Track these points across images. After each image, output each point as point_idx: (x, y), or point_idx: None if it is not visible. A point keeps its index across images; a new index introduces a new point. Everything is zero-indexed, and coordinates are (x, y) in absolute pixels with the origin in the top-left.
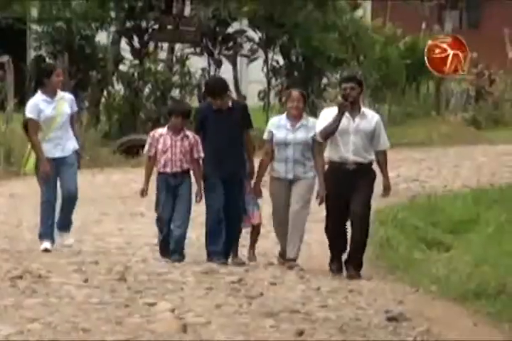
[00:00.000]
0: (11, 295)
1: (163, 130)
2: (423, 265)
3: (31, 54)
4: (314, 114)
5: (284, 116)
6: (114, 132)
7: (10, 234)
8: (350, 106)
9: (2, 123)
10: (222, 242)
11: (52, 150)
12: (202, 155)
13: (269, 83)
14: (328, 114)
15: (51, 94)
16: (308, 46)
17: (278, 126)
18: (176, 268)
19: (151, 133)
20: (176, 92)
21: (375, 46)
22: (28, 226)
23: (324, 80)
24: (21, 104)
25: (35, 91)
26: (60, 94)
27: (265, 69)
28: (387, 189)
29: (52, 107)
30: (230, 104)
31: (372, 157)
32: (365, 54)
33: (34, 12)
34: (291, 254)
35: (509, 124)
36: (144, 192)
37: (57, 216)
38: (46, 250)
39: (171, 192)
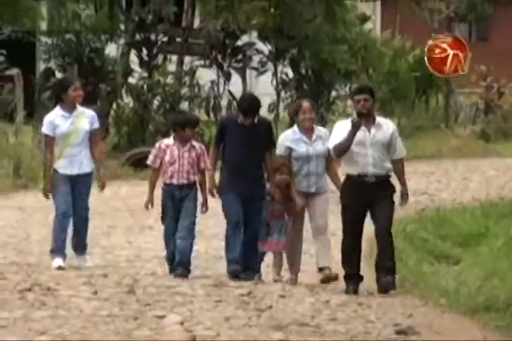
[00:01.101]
0: (20, 307)
1: (169, 141)
2: (432, 278)
3: (41, 66)
4: (323, 127)
5: (295, 129)
6: (123, 144)
7: (19, 246)
8: (364, 119)
9: (11, 135)
10: (239, 250)
11: (67, 166)
12: (209, 165)
13: (278, 96)
14: (342, 128)
15: (69, 109)
16: (317, 59)
17: (294, 140)
18: (185, 280)
19: (157, 144)
20: (184, 105)
21: (384, 59)
22: (37, 239)
23: (333, 93)
24: (30, 116)
25: (54, 106)
26: (80, 109)
27: (274, 82)
28: (404, 197)
29: (69, 123)
30: (256, 120)
31: (390, 166)
32: (375, 67)
33: (43, 25)
34: (324, 263)
35: None
36: (149, 204)
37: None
38: (60, 268)
39: (175, 205)
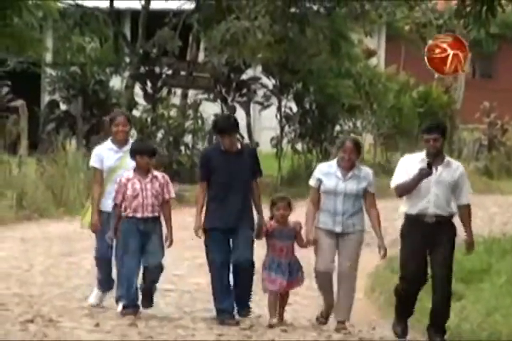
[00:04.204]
0: (22, 339)
1: (129, 174)
2: None
3: (45, 98)
4: (327, 161)
5: (334, 162)
6: None
7: (21, 277)
8: (433, 159)
9: (15, 167)
10: (230, 298)
11: (109, 204)
12: (173, 195)
13: (282, 130)
14: (408, 163)
15: (119, 144)
16: (322, 93)
17: (327, 174)
18: (187, 313)
19: (118, 179)
20: (188, 138)
21: (388, 94)
22: (40, 270)
23: (337, 128)
24: (34, 148)
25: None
26: None
27: (278, 116)
28: (470, 246)
29: (117, 158)
30: (239, 146)
31: (454, 210)
32: (379, 102)
33: (48, 57)
34: (341, 317)
35: None
36: (112, 236)
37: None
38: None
39: (139, 239)
